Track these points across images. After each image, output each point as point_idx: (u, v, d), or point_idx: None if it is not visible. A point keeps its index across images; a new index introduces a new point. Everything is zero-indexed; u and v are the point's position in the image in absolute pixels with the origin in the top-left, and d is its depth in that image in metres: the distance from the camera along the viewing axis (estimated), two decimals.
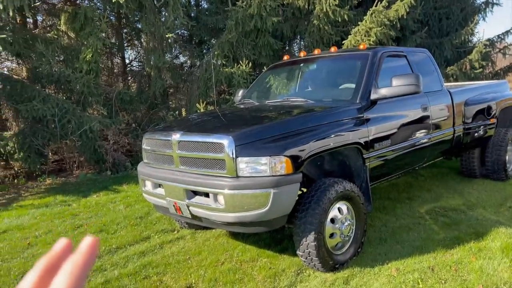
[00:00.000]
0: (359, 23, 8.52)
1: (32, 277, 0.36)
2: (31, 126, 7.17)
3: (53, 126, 7.02)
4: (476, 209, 4.55)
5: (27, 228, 4.68)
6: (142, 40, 9.90)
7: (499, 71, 11.36)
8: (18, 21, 7.76)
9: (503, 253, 3.43)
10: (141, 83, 9.90)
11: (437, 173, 6.18)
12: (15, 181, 7.02)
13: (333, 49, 4.84)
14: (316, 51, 5.05)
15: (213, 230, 4.28)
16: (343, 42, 8.66)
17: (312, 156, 3.22)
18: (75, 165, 7.72)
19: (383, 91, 3.91)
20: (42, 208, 5.42)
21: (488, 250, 3.51)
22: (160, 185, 3.63)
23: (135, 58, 11.33)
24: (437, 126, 4.67)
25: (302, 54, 5.18)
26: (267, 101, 4.66)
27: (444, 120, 4.80)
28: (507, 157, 5.59)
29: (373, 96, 3.90)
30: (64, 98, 7.64)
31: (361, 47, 4.58)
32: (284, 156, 3.01)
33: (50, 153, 7.73)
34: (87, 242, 0.39)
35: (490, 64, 10.98)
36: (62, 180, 7.17)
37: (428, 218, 4.39)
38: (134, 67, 11.16)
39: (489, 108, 5.45)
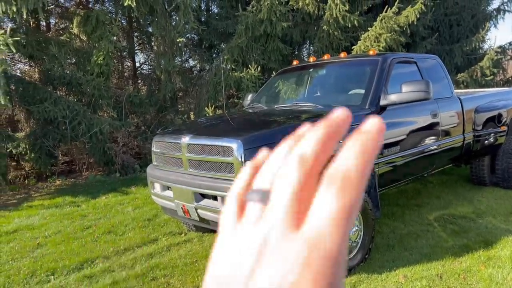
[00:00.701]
0: (368, 28, 8.52)
1: (317, 138, 0.30)
2: (43, 127, 7.27)
3: (63, 127, 7.11)
4: (485, 217, 4.50)
5: (36, 228, 4.73)
6: (153, 44, 10.00)
7: (510, 78, 11.27)
8: (31, 24, 7.90)
9: None
10: (151, 86, 9.99)
11: (447, 180, 6.13)
12: (26, 181, 7.11)
13: (342, 54, 4.85)
14: (325, 57, 5.06)
15: None
16: (352, 47, 8.66)
17: None
18: (85, 167, 7.80)
19: (393, 97, 3.90)
20: (52, 209, 5.48)
21: (498, 259, 3.47)
22: (169, 188, 3.65)
23: (145, 62, 11.45)
24: (446, 133, 4.64)
25: (311, 59, 5.19)
26: (276, 106, 4.67)
27: (454, 127, 4.77)
28: None
29: (382, 102, 3.89)
30: (75, 100, 7.74)
31: (371, 52, 4.58)
32: None
33: (60, 154, 7.82)
34: (374, 123, 0.30)
35: (501, 71, 10.90)
36: (71, 181, 7.24)
37: (436, 225, 4.36)
38: (145, 71, 11.27)
39: (500, 115, 5.40)
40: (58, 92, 7.73)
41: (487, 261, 3.44)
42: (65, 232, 4.57)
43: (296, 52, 10.46)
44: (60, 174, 7.42)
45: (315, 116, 3.79)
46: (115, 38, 7.81)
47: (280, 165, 0.31)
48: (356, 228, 3.40)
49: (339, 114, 0.31)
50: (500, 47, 10.56)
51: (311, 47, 10.44)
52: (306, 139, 0.30)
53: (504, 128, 5.45)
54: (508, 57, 11.07)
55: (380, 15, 8.38)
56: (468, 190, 5.60)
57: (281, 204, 0.28)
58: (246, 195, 0.32)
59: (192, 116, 8.76)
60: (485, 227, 4.23)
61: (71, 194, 6.20)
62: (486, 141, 5.24)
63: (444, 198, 5.27)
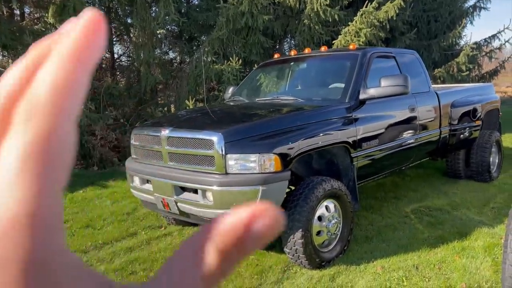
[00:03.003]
0: (349, 23, 8.58)
1: (16, 72, 0.23)
2: None
3: None
4: (460, 209, 4.63)
5: None
6: (132, 35, 9.82)
7: (485, 74, 11.58)
8: (4, 13, 7.63)
9: (486, 252, 3.50)
10: (130, 78, 9.82)
11: (423, 173, 6.27)
12: None
13: (323, 48, 4.88)
14: (306, 50, 5.07)
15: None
16: (333, 42, 8.71)
17: (301, 154, 3.24)
18: None
19: (372, 91, 3.95)
20: None
21: (471, 249, 3.58)
22: (148, 181, 3.61)
23: (124, 53, 11.24)
24: (424, 127, 4.73)
25: (292, 53, 5.20)
26: (257, 99, 4.67)
27: (430, 121, 4.87)
28: (491, 159, 5.69)
29: (361, 96, 3.94)
30: None
31: (351, 47, 4.62)
32: (273, 153, 3.03)
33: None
34: (85, 16, 0.23)
35: (476, 67, 11.18)
36: None
37: (413, 217, 4.46)
38: (123, 62, 11.07)
39: (475, 110, 5.54)
40: None
41: (462, 252, 3.54)
42: None
43: (278, 46, 10.46)
44: None
45: (296, 109, 3.80)
46: None
47: None
48: (336, 220, 3.45)
49: (63, 28, 0.24)
50: (475, 43, 10.82)
51: (292, 41, 10.46)
52: (6, 74, 0.23)
53: (479, 122, 5.60)
54: (483, 53, 11.35)
55: (361, 10, 8.45)
56: (443, 183, 5.74)
57: None
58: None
59: (172, 109, 8.67)
60: (459, 219, 4.35)
61: None
62: (462, 135, 5.37)
63: (420, 191, 5.39)
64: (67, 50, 0.23)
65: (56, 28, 8.42)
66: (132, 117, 8.60)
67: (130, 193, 4.46)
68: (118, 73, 10.51)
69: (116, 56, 10.74)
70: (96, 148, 7.35)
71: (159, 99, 9.76)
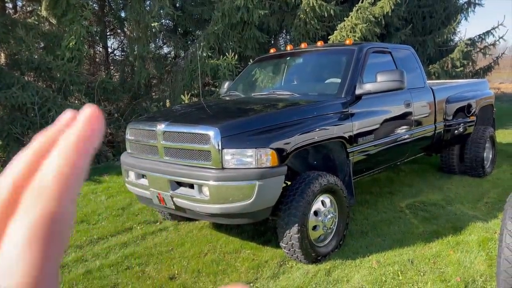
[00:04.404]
0: (345, 19, 8.57)
1: (24, 159, 0.28)
2: (10, 113, 6.98)
3: (32, 114, 6.85)
4: (454, 204, 4.66)
5: None
6: (126, 29, 9.73)
7: (479, 70, 11.63)
8: None
9: (480, 246, 3.53)
10: (124, 72, 9.74)
11: (418, 169, 6.30)
12: None
13: (319, 43, 4.87)
14: (302, 45, 5.06)
15: (196, 221, 4.27)
16: (329, 37, 8.70)
17: (297, 149, 3.24)
18: None
19: (368, 87, 3.95)
20: None
21: (466, 244, 3.61)
22: (143, 176, 3.59)
23: (118, 47, 11.14)
24: (419, 123, 4.75)
25: (288, 47, 5.18)
26: (253, 94, 4.65)
27: (426, 116, 4.89)
28: (485, 154, 5.73)
29: (358, 91, 3.94)
30: (44, 86, 7.46)
31: (347, 42, 4.61)
32: (270, 148, 3.02)
33: (29, 142, 7.54)
34: (86, 112, 0.29)
35: (470, 63, 11.21)
36: None
37: (408, 212, 4.48)
38: (117, 57, 10.98)
39: (469, 106, 5.57)
40: (26, 77, 7.43)
41: (456, 246, 3.57)
42: None
43: (273, 41, 10.43)
44: None
45: (292, 104, 3.80)
46: (86, 22, 7.54)
47: None
48: (332, 215, 3.45)
49: (60, 121, 0.30)
50: (470, 39, 10.85)
51: (288, 36, 10.43)
52: (11, 164, 0.28)
53: (473, 118, 5.63)
54: (477, 49, 11.39)
55: (356, 5, 8.43)
56: (438, 178, 5.77)
57: None
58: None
59: (168, 104, 8.62)
60: (454, 213, 4.38)
61: None
62: (456, 131, 5.40)
63: (415, 186, 5.42)
64: (71, 142, 0.27)
65: (49, 22, 8.33)
66: (127, 112, 8.54)
67: (125, 188, 4.44)
68: (112, 67, 10.42)
69: (110, 50, 10.66)
70: None
71: (154, 93, 9.70)
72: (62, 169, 0.26)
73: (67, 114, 0.30)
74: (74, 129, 0.28)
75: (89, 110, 0.29)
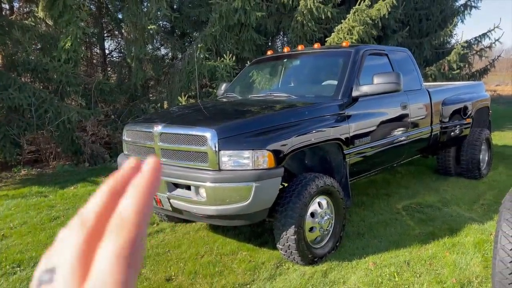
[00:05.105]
0: (342, 21, 8.59)
1: (100, 198, 0.35)
2: (6, 115, 6.96)
3: (29, 115, 6.83)
4: (450, 206, 4.68)
5: (1, 220, 4.56)
6: (123, 31, 9.73)
7: (475, 72, 11.69)
8: None
9: (476, 248, 3.55)
10: (121, 74, 9.73)
11: (414, 170, 6.32)
12: None
13: (316, 45, 4.88)
14: (299, 47, 5.07)
15: (193, 223, 4.27)
16: (326, 39, 8.72)
17: (294, 151, 3.25)
18: (52, 156, 7.54)
19: (365, 89, 3.96)
20: (17, 199, 5.28)
21: (461, 246, 3.62)
22: None
23: (115, 49, 11.13)
24: (415, 125, 4.77)
25: (285, 49, 5.20)
26: (250, 96, 4.66)
27: (422, 118, 4.91)
28: (481, 156, 5.76)
29: (354, 93, 3.95)
30: (41, 87, 7.45)
31: (344, 44, 4.62)
32: (267, 150, 3.03)
33: (25, 143, 7.53)
34: (150, 164, 0.37)
35: (467, 65, 11.28)
36: (37, 171, 7.00)
37: (404, 214, 4.50)
38: (114, 58, 10.97)
39: (466, 108, 5.60)
40: (22, 79, 7.41)
41: (452, 248, 3.58)
42: (31, 223, 4.43)
43: (270, 43, 10.44)
44: (26, 164, 7.15)
45: (289, 106, 3.81)
46: (82, 24, 7.54)
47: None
48: (328, 216, 3.46)
49: (125, 169, 0.38)
50: (466, 42, 10.91)
51: (285, 38, 10.45)
52: (90, 200, 0.36)
53: (469, 120, 5.65)
54: (474, 52, 11.46)
55: (353, 7, 8.46)
56: (434, 180, 5.79)
57: (63, 279, 0.32)
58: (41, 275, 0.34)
59: (165, 105, 8.62)
60: (450, 215, 4.40)
61: (38, 184, 5.99)
62: (452, 133, 5.42)
63: (411, 188, 5.44)
64: (143, 186, 0.35)
65: (45, 23, 8.31)
66: (124, 113, 8.53)
67: None
68: (109, 68, 10.41)
69: (107, 51, 10.65)
70: (87, 145, 7.28)
71: (151, 95, 9.70)
72: (139, 206, 0.34)
73: (130, 162, 0.38)
74: (144, 175, 0.36)
75: (152, 161, 0.38)
